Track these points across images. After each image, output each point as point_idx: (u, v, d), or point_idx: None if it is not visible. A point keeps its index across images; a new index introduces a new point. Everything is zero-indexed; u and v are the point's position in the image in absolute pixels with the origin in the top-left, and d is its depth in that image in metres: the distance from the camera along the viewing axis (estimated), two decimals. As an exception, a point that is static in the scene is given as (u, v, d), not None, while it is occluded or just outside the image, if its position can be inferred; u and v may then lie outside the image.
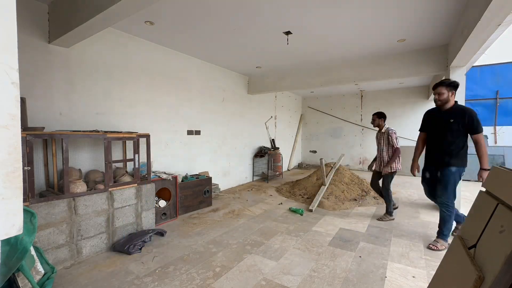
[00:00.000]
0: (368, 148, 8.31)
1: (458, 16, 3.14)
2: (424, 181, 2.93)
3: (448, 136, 2.62)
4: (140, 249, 2.64)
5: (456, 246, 1.07)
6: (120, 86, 3.51)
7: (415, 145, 3.06)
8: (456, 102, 2.67)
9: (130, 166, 3.47)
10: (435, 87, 2.67)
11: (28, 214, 1.67)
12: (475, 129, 2.49)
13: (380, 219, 3.57)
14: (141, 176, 3.11)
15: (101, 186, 2.67)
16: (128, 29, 3.44)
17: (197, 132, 4.83)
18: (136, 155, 3.01)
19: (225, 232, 3.17)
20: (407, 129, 7.57)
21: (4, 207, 0.56)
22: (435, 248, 2.66)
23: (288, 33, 3.55)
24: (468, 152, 2.60)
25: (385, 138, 3.56)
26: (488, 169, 2.44)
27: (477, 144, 2.51)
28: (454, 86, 2.60)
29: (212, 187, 4.88)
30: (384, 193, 3.58)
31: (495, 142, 6.70)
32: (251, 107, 6.55)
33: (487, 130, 6.76)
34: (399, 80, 6.55)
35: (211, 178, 4.34)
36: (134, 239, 2.67)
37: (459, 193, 3.83)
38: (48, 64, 2.83)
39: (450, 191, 2.63)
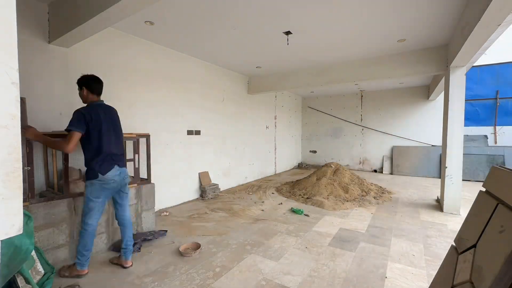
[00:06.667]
0: (368, 148, 8.30)
1: (458, 16, 3.14)
2: None
3: None
4: (140, 249, 2.64)
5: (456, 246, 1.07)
6: (120, 86, 3.51)
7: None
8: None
9: (129, 166, 3.46)
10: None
11: (25, 218, 1.67)
12: None
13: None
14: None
15: (101, 186, 2.67)
16: (128, 29, 3.43)
17: (197, 132, 4.83)
18: (136, 155, 3.01)
19: (225, 232, 3.17)
20: (407, 129, 7.55)
21: (4, 207, 0.56)
22: None
23: (288, 33, 3.55)
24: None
25: None
26: None
27: None
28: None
29: (212, 187, 4.88)
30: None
31: (495, 142, 6.68)
32: (251, 107, 6.54)
33: (487, 130, 6.76)
34: (399, 80, 6.55)
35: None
36: (134, 239, 2.67)
37: (459, 193, 3.84)
38: (48, 64, 2.83)
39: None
